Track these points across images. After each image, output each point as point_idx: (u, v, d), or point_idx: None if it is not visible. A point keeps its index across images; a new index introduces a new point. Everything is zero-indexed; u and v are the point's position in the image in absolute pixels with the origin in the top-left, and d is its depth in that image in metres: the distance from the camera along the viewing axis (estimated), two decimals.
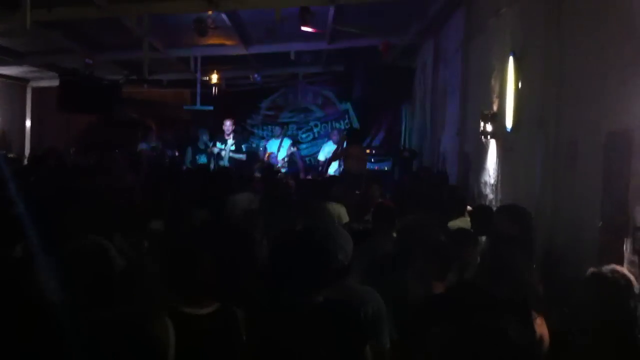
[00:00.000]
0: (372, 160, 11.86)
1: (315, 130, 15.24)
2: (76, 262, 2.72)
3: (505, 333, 1.99)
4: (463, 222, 5.19)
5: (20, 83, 14.35)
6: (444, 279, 3.43)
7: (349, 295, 2.89)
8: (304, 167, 13.08)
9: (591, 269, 2.91)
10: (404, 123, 14.43)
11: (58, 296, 2.50)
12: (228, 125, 12.17)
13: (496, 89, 6.56)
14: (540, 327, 2.97)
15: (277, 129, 13.48)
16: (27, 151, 14.03)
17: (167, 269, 2.81)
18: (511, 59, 5.87)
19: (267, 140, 13.70)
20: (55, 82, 12.43)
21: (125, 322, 2.53)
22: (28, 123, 14.74)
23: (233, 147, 12.02)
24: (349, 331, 2.49)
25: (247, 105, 15.14)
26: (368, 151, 12.20)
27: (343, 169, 10.26)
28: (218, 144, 12.09)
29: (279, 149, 12.69)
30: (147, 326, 2.53)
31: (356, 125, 14.51)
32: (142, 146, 12.72)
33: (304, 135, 15.19)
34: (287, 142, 13.00)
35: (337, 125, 14.86)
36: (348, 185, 6.86)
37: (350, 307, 2.70)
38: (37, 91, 14.71)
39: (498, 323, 2.07)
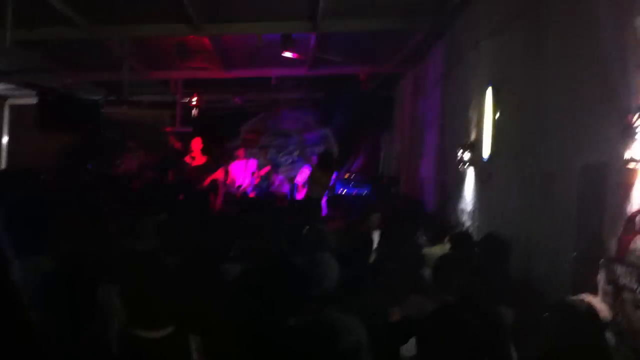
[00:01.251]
0: (351, 185, 11.93)
1: (294, 154, 15.29)
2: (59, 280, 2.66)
3: None
4: (441, 249, 5.22)
5: None
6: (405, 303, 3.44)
7: (328, 323, 2.86)
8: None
9: (558, 299, 2.95)
10: (383, 150, 14.54)
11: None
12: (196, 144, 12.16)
13: (474, 119, 6.66)
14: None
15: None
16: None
17: (123, 285, 2.56)
18: (489, 89, 5.98)
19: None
20: (33, 100, 12.30)
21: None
22: (4, 140, 14.56)
23: None
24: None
25: (227, 128, 15.16)
26: (347, 175, 12.27)
27: (305, 194, 10.33)
28: None
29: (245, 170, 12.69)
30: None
31: (335, 150, 14.57)
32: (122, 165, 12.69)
33: (282, 159, 15.22)
34: (252, 164, 12.98)
35: (317, 149, 14.91)
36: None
37: (326, 335, 2.66)
38: (15, 109, 14.55)
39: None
